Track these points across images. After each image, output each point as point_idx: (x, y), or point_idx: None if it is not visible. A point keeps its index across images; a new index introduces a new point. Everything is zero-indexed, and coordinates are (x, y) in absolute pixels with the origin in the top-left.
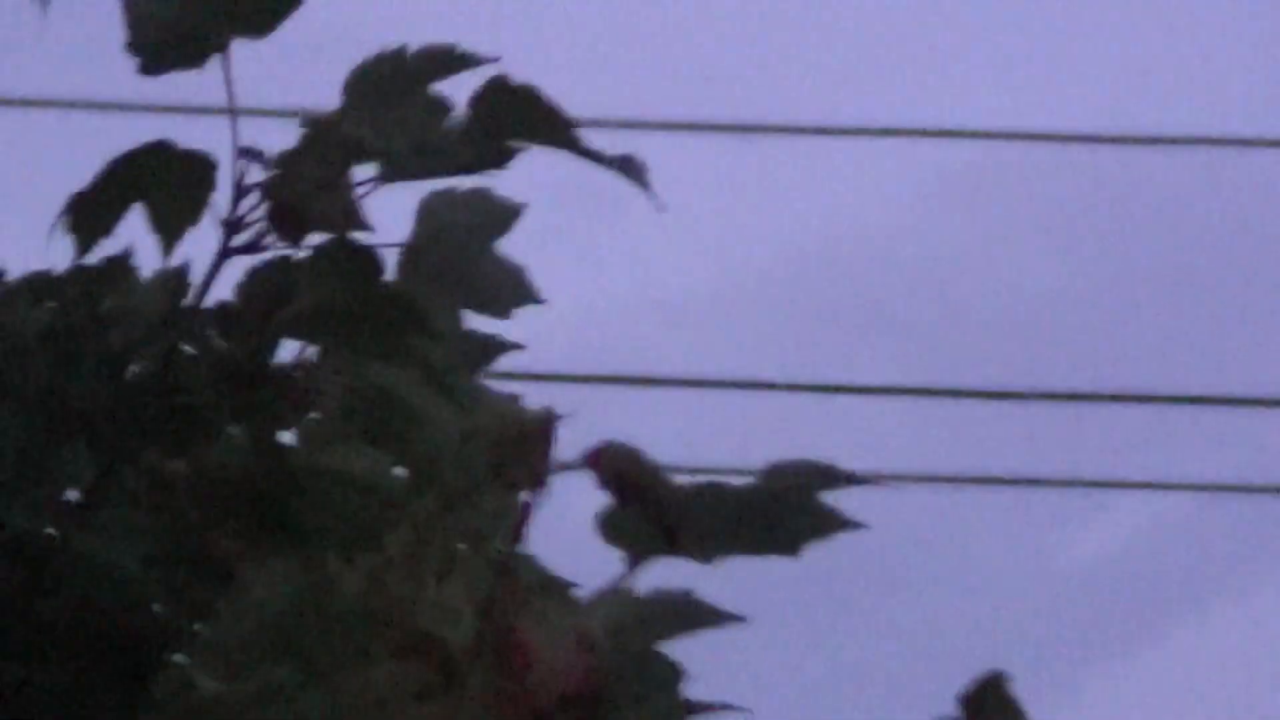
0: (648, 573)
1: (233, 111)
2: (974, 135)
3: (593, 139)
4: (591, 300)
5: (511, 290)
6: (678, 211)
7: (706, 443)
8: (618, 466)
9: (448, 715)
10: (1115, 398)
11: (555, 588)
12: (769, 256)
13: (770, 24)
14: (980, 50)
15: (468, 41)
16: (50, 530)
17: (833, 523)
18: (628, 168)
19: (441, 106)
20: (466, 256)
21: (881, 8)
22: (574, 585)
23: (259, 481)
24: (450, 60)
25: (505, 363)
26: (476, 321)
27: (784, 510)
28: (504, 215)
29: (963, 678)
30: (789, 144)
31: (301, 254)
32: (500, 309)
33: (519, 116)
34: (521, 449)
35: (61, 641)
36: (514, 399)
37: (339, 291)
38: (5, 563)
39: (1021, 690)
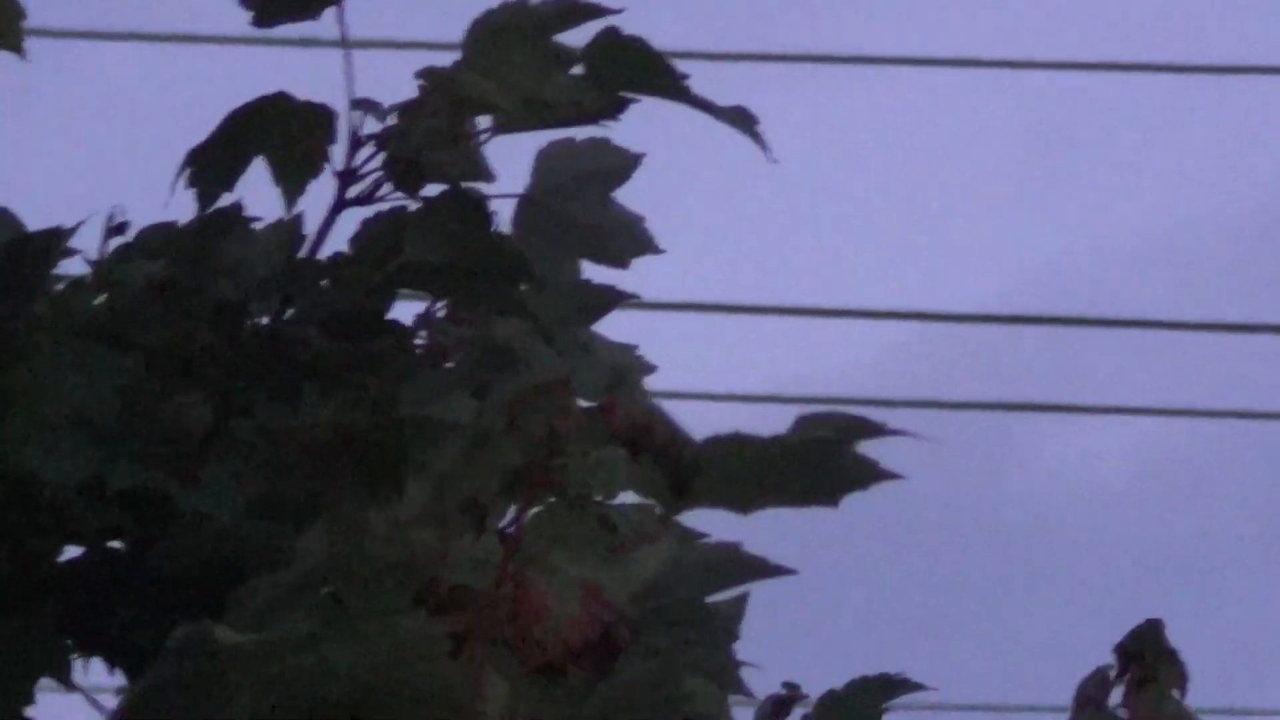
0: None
1: (348, 61)
2: None
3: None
4: (1057, 245)
5: (629, 240)
6: (1136, 155)
7: (1174, 384)
8: (631, 418)
9: (471, 666)
10: None
11: (596, 541)
12: (1231, 200)
13: None
14: None
15: None
16: (160, 484)
17: (870, 473)
18: (739, 119)
19: (563, 58)
20: (584, 207)
21: None
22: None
23: (367, 433)
24: (573, 11)
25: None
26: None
27: (819, 461)
28: (622, 165)
29: None
30: (1253, 84)
31: (415, 206)
32: (618, 258)
33: (631, 68)
34: (538, 402)
35: (169, 595)
36: (629, 349)
37: (448, 243)
38: (113, 518)
39: None
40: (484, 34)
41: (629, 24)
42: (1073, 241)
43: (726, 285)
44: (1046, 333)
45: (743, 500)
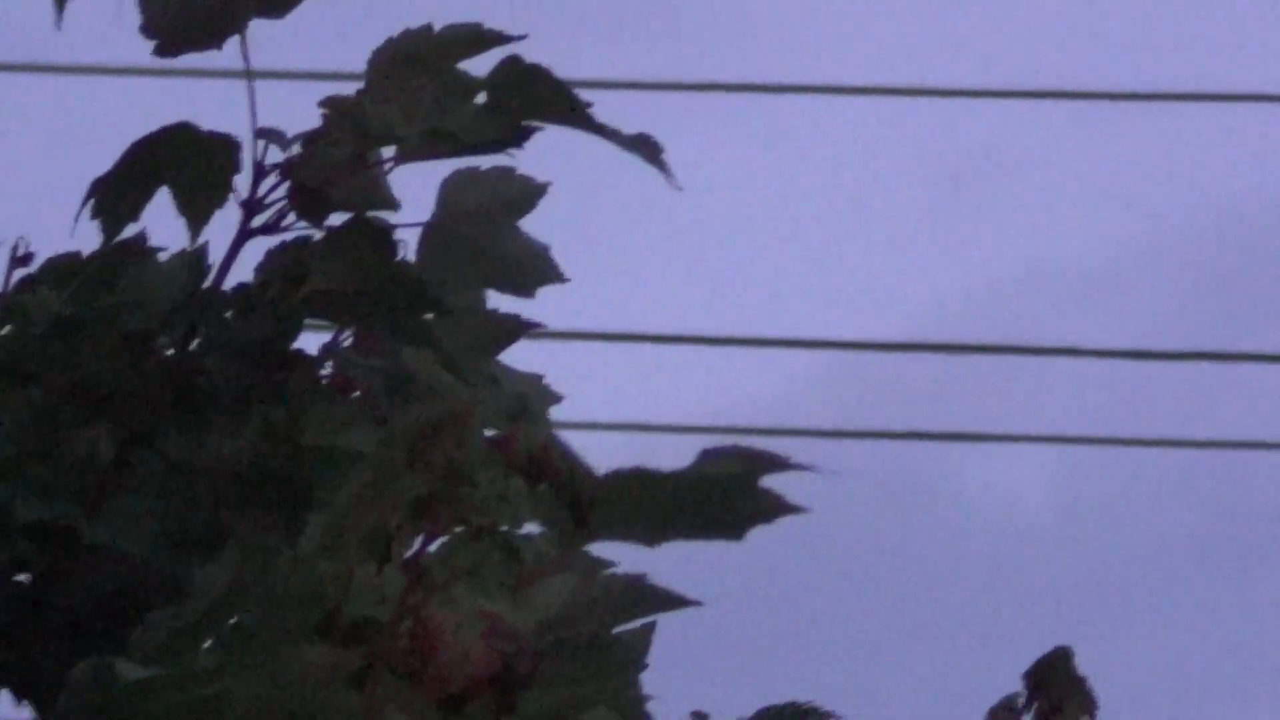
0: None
1: (251, 90)
2: None
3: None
4: (984, 275)
5: (535, 269)
6: (1069, 182)
7: (1100, 412)
8: (529, 449)
9: (373, 698)
10: None
11: (500, 572)
12: (1169, 225)
13: None
14: None
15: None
16: (66, 518)
17: (775, 507)
18: (643, 147)
19: (466, 86)
20: (489, 236)
21: None
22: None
23: (273, 463)
24: (476, 39)
25: (899, 334)
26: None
27: (724, 494)
28: (527, 194)
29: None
30: (1171, 111)
31: (320, 235)
32: (524, 288)
33: (533, 96)
34: (439, 432)
35: (77, 628)
36: (535, 378)
37: (353, 272)
38: (20, 551)
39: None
40: (387, 63)
41: (534, 52)
42: (989, 270)
43: (636, 315)
44: (966, 361)
45: (646, 533)
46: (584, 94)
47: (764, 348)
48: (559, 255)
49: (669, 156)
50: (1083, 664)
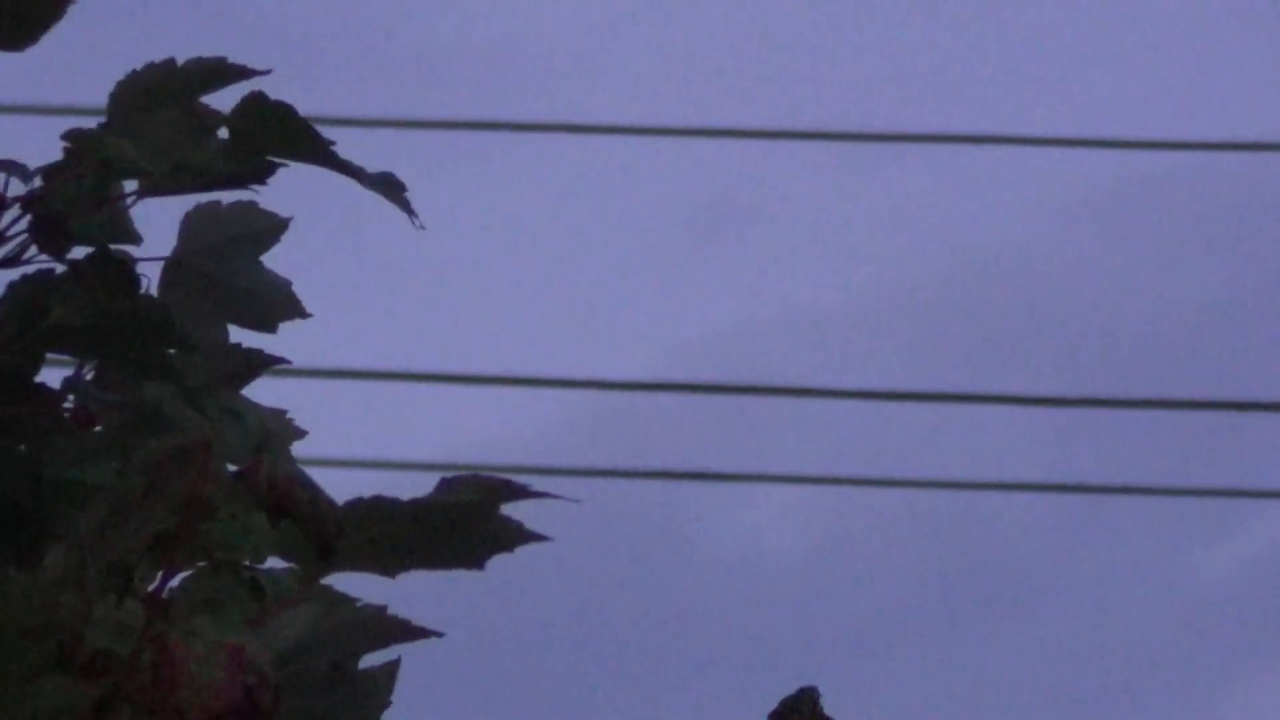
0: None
1: None
2: (1113, 145)
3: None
4: (730, 318)
5: (277, 304)
6: (809, 226)
7: (840, 453)
8: (272, 482)
9: None
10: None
11: (242, 605)
12: (906, 270)
13: (909, 31)
14: (1122, 58)
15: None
16: None
17: (515, 536)
18: (385, 186)
19: (209, 121)
20: (231, 270)
21: (1021, 15)
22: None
23: (11, 496)
24: (219, 73)
25: (655, 375)
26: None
27: (462, 524)
28: (270, 229)
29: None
30: (927, 153)
31: (62, 268)
32: (266, 322)
33: (276, 132)
34: (178, 465)
35: None
36: (279, 413)
37: (95, 306)
38: None
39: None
40: (129, 96)
41: (283, 89)
42: (740, 311)
43: (390, 353)
44: (712, 402)
45: (387, 563)
46: (331, 132)
47: (513, 386)
48: (315, 291)
49: (412, 195)
50: (829, 706)
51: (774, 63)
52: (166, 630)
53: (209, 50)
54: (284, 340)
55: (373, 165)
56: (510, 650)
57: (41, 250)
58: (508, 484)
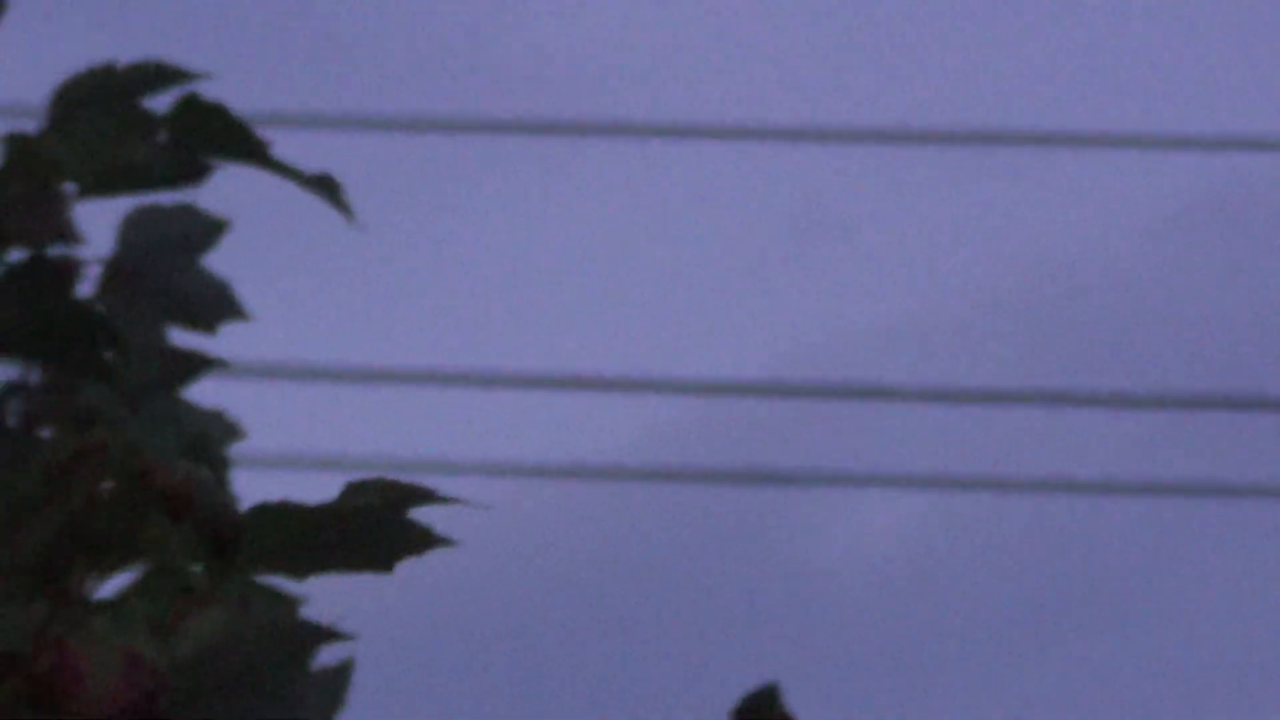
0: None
1: None
2: (1203, 146)
3: (287, 154)
4: (825, 324)
5: (216, 305)
6: (904, 233)
7: (941, 457)
8: (171, 484)
9: None
10: None
11: (144, 608)
12: (1004, 274)
13: (1009, 32)
14: (1207, 59)
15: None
16: None
17: (424, 539)
18: (321, 186)
19: (147, 122)
20: (169, 271)
21: (1110, 19)
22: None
23: None
24: (157, 75)
25: (740, 376)
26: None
27: (371, 527)
28: (209, 230)
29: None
30: (1027, 155)
31: None
32: (205, 324)
33: (212, 133)
34: (78, 466)
35: None
36: (219, 414)
37: (32, 308)
38: None
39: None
40: (67, 98)
41: (382, 94)
42: (845, 315)
43: (499, 357)
44: (808, 406)
45: (294, 567)
46: (445, 138)
47: (622, 391)
48: (451, 296)
49: (348, 194)
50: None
51: (866, 67)
52: (67, 633)
53: (271, 52)
54: (417, 346)
55: (484, 171)
56: (612, 655)
57: None
58: (415, 488)
